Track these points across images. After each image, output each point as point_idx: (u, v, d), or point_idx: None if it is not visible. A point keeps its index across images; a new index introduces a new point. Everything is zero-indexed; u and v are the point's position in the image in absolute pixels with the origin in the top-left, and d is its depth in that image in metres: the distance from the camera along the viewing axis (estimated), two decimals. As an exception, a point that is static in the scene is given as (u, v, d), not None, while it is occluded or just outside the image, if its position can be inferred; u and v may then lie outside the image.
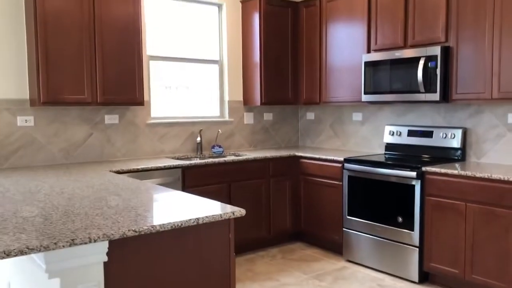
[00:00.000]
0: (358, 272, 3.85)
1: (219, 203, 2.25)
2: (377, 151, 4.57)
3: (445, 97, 3.63)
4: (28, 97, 3.68)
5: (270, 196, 4.43)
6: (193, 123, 4.61)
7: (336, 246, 4.30)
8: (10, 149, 3.62)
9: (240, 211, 2.08)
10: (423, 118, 4.18)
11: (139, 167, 3.64)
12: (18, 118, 3.64)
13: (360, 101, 4.29)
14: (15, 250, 1.50)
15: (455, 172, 3.30)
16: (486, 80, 3.39)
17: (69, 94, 3.55)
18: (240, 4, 4.89)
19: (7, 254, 1.49)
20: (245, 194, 4.24)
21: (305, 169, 4.52)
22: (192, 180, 3.90)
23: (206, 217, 1.97)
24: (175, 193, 2.53)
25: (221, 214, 2.02)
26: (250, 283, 3.63)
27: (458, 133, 3.84)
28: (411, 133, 4.16)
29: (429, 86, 3.66)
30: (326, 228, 4.33)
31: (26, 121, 3.67)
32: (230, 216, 2.06)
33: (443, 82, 3.62)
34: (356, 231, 4.01)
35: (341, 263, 4.07)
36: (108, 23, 3.70)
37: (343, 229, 4.13)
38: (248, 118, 5.04)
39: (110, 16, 3.71)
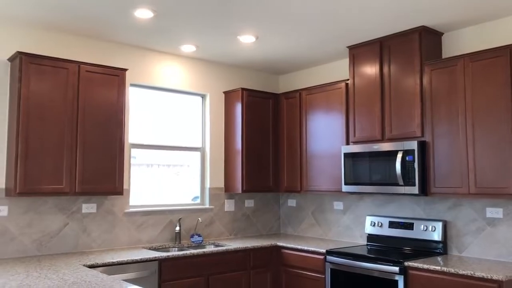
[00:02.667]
0: None
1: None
2: (359, 241, 4.52)
3: (424, 190, 3.68)
4: (4, 186, 3.60)
5: (250, 289, 4.28)
6: (172, 211, 4.54)
7: None
8: (-21, 240, 3.47)
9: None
10: (403, 209, 4.20)
11: (114, 260, 3.50)
12: (-9, 208, 3.54)
13: (341, 191, 4.32)
14: None
15: (438, 268, 3.26)
16: (462, 175, 3.46)
17: (47, 184, 3.50)
18: (223, 94, 5.04)
19: None
20: None
21: (286, 260, 4.42)
22: (169, 273, 3.75)
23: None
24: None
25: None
26: None
27: (439, 225, 3.84)
28: (392, 225, 4.15)
29: (407, 179, 3.71)
30: (309, 324, 4.15)
31: (-1, 211, 3.57)
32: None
33: (421, 176, 3.68)
34: (340, 328, 3.85)
35: None
36: (92, 113, 3.75)
37: (326, 325, 3.96)
38: (229, 205, 4.99)
39: (93, 106, 3.76)
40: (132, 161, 4.39)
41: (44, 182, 3.49)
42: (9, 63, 3.69)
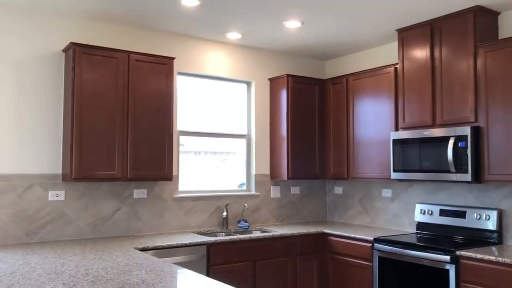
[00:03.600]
0: None
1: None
2: (408, 229, 4.43)
3: (477, 177, 3.54)
4: (60, 172, 3.78)
5: (296, 275, 4.29)
6: (220, 197, 4.61)
7: (366, 332, 4.07)
8: (39, 223, 3.67)
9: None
10: (455, 197, 4.07)
11: (164, 244, 3.61)
12: (50, 192, 3.73)
13: (389, 178, 4.23)
14: None
15: (492, 258, 3.14)
16: (519, 162, 3.30)
17: (100, 170, 3.64)
18: (268, 81, 5.03)
19: None
20: (270, 273, 4.13)
21: (333, 247, 4.39)
22: (217, 257, 3.83)
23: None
24: (198, 278, 2.47)
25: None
26: None
27: (493, 214, 3.69)
28: (443, 213, 4.03)
29: (460, 166, 3.58)
30: (356, 311, 4.12)
31: (57, 195, 3.75)
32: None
33: (474, 163, 3.54)
34: (388, 316, 3.80)
35: None
36: (141, 101, 3.85)
37: (374, 313, 3.92)
38: (275, 192, 5.01)
39: (143, 95, 3.86)
40: (181, 148, 4.49)
41: (98, 168, 3.63)
42: (64, 53, 3.84)
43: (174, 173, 4.30)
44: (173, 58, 4.05)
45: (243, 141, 4.94)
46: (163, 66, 3.99)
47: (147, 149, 3.86)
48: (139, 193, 4.13)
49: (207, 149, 4.78)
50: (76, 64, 3.60)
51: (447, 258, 3.39)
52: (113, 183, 4.00)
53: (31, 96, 3.70)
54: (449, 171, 3.65)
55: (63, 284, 2.27)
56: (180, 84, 4.51)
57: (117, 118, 3.74)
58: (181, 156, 4.49)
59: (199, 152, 4.73)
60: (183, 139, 4.52)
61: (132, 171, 3.77)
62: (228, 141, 4.87)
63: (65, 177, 3.68)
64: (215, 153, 4.85)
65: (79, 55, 3.60)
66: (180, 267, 2.72)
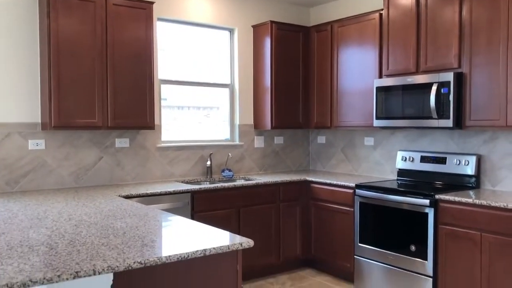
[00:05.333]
0: (370, 302, 3.75)
1: (227, 233, 2.20)
2: (389, 176, 4.50)
3: (459, 123, 3.58)
4: (39, 120, 3.70)
5: (280, 221, 4.37)
6: (203, 147, 4.60)
7: (347, 274, 4.21)
8: (20, 172, 3.63)
9: (248, 242, 2.04)
10: (436, 143, 4.12)
11: (148, 191, 3.62)
12: (29, 141, 3.66)
13: (372, 126, 4.25)
14: (17, 283, 1.47)
15: (470, 200, 3.22)
16: (500, 107, 3.34)
17: (80, 118, 3.57)
18: (252, 29, 4.92)
19: (10, 287, 1.46)
20: (254, 220, 4.19)
21: (316, 194, 4.46)
22: (201, 205, 3.86)
23: (214, 248, 1.93)
24: (182, 220, 2.49)
25: (228, 246, 1.98)
26: (259, 311, 3.55)
27: (472, 159, 3.76)
28: (424, 159, 4.09)
29: (442, 112, 3.61)
30: (337, 255, 4.24)
31: (37, 144, 3.69)
32: (238, 248, 2.01)
33: (456, 109, 3.57)
34: (368, 259, 3.92)
35: (352, 292, 3.97)
36: (121, 48, 3.74)
37: (355, 256, 4.04)
38: (259, 142, 5.01)
39: (122, 41, 3.74)
40: (163, 103, 4.41)
41: (78, 116, 3.56)
42: (37, -3, 3.68)
43: (156, 122, 4.25)
44: (153, 3, 3.91)
45: (226, 91, 4.88)
46: (142, 11, 3.85)
47: (127, 97, 3.78)
48: (121, 142, 4.08)
49: (191, 103, 4.71)
50: (52, 8, 3.44)
51: (427, 201, 3.47)
52: (94, 132, 3.95)
53: (5, 43, 3.56)
54: (431, 118, 3.68)
55: (46, 228, 2.27)
56: (161, 31, 4.37)
57: (96, 65, 3.63)
58: (164, 110, 4.43)
59: (182, 107, 4.66)
60: (165, 89, 4.44)
61: (113, 119, 3.71)
62: (212, 93, 4.80)
63: (45, 126, 3.61)
64: (199, 108, 4.78)
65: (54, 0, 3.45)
66: (164, 212, 2.74)
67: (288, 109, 4.82)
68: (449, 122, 3.57)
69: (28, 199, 3.22)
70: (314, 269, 4.58)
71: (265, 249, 4.27)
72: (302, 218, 4.53)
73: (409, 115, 3.85)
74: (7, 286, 1.45)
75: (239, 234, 4.04)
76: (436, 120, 3.65)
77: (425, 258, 3.48)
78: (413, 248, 3.57)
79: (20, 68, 3.62)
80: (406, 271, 3.62)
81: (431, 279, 3.45)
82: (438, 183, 3.97)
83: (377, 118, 4.11)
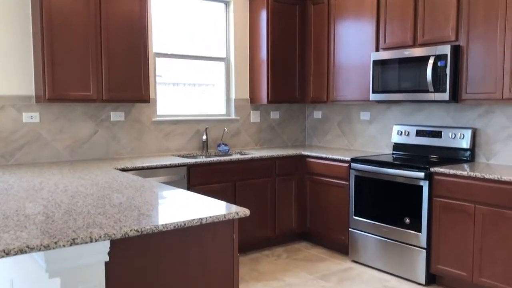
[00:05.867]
0: (364, 273, 3.81)
1: (223, 202, 2.21)
2: (385, 151, 4.52)
3: (455, 97, 3.57)
4: (33, 93, 3.67)
5: (275, 195, 4.40)
6: (199, 121, 4.58)
7: (341, 246, 4.26)
8: (15, 145, 3.61)
9: (244, 211, 2.05)
10: (432, 117, 4.12)
11: (144, 164, 3.62)
12: (24, 114, 3.63)
13: (368, 100, 4.24)
14: (15, 249, 1.48)
15: (464, 173, 3.25)
16: (497, 80, 3.33)
17: (75, 90, 3.54)
18: (248, 1, 4.85)
19: (7, 253, 1.47)
20: (250, 193, 4.21)
21: (311, 168, 4.48)
22: (197, 178, 3.87)
23: (210, 217, 1.94)
24: (179, 192, 2.50)
25: (225, 214, 1.99)
26: (255, 282, 3.60)
27: (468, 133, 3.77)
28: (419, 133, 4.10)
29: (438, 86, 3.60)
30: (332, 228, 4.29)
31: (31, 117, 3.66)
32: (234, 217, 2.02)
33: (453, 82, 3.56)
34: (363, 231, 3.97)
35: (346, 264, 4.03)
36: (114, 20, 3.68)
37: (349, 229, 4.08)
38: (255, 117, 5.00)
39: (116, 14, 3.68)
40: (158, 79, 4.37)
41: (72, 88, 3.53)
42: (28, -33, 3.59)
43: (151, 96, 4.22)
44: (147, -27, 3.83)
45: (221, 65, 4.84)
46: (136, -19, 3.78)
47: (122, 70, 3.74)
48: (116, 115, 4.06)
49: (186, 80, 4.66)
50: (42, -22, 3.37)
51: (421, 174, 3.49)
52: (89, 105, 3.92)
53: (-4, 13, 3.50)
54: (427, 91, 3.67)
55: (42, 198, 2.27)
56: (155, 3, 4.30)
57: (90, 38, 3.58)
58: (159, 87, 4.39)
59: (178, 84, 4.62)
60: (160, 63, 4.39)
61: (107, 92, 3.68)
62: (207, 68, 4.75)
63: (39, 99, 3.58)
64: (194, 85, 4.74)
65: (45, -32, 3.37)
66: (161, 184, 2.74)
67: (285, 83, 4.80)
68: (445, 96, 3.56)
69: (24, 171, 3.22)
70: (309, 242, 4.63)
71: (261, 222, 4.31)
72: (297, 192, 4.56)
73: (406, 89, 3.83)
74: (4, 251, 1.46)
75: (235, 207, 4.08)
76: (433, 94, 3.64)
77: (419, 230, 3.53)
78: (407, 220, 3.61)
79: (12, 40, 3.56)
80: (400, 243, 3.66)
81: (424, 250, 3.50)
82: (433, 157, 3.99)
83: (373, 92, 4.10)
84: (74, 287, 1.65)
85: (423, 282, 3.52)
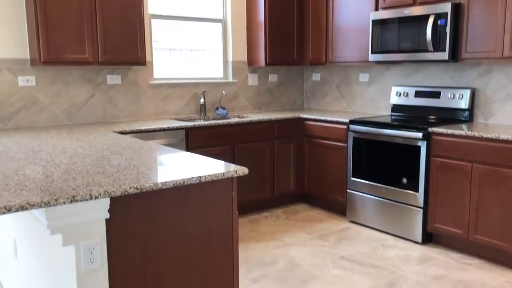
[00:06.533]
0: (361, 233, 3.87)
1: (222, 162, 2.22)
2: (383, 112, 4.51)
3: (454, 56, 3.54)
4: (28, 56, 3.62)
5: (274, 158, 4.42)
6: (196, 84, 4.55)
7: (339, 208, 4.31)
8: (12, 109, 3.60)
9: (242, 170, 2.06)
10: (431, 78, 4.10)
11: (142, 128, 3.61)
12: (19, 78, 3.60)
13: (367, 61, 4.20)
14: (15, 206, 1.49)
15: (462, 132, 3.25)
16: (497, 38, 3.29)
17: (70, 53, 3.49)
18: (244, -40, 4.73)
19: (8, 210, 1.48)
20: (249, 156, 4.23)
21: (309, 131, 4.48)
22: (195, 141, 3.87)
23: (209, 175, 1.95)
24: (178, 152, 2.50)
25: (223, 173, 2.00)
26: (254, 243, 3.66)
27: (467, 93, 3.76)
28: (418, 94, 4.08)
29: (438, 45, 3.55)
30: (330, 190, 4.33)
31: (27, 81, 3.63)
32: (232, 175, 2.03)
33: (453, 41, 3.51)
34: (360, 192, 4.01)
35: (344, 224, 4.09)
36: (108, -21, 3.59)
37: (347, 190, 4.13)
38: (253, 80, 4.96)
39: (109, -28, 3.59)
40: (155, 45, 4.31)
41: (67, 51, 3.48)
42: None
43: (147, 59, 4.17)
44: None
45: (218, 27, 4.76)
46: None
47: (118, 32, 3.68)
48: (112, 79, 4.02)
49: (182, 46, 4.58)
50: None
51: (419, 135, 3.50)
52: (85, 69, 3.88)
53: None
54: (427, 51, 3.63)
55: (41, 159, 2.27)
56: (149, -38, 4.20)
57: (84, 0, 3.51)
58: (155, 52, 4.33)
59: (174, 49, 4.55)
60: (156, 25, 4.32)
61: (103, 54, 3.63)
62: (204, 31, 4.67)
63: (34, 62, 3.53)
64: (191, 50, 4.67)
65: None
66: (160, 145, 2.74)
67: (283, 45, 4.73)
68: (445, 55, 3.52)
69: (22, 135, 3.21)
70: (307, 203, 4.69)
71: (260, 185, 4.34)
72: (296, 155, 4.58)
73: (405, 49, 3.79)
74: (5, 208, 1.47)
75: (234, 169, 4.10)
76: (432, 53, 3.60)
77: (416, 190, 3.56)
78: (405, 180, 3.64)
79: (6, 2, 3.48)
80: (397, 203, 3.71)
81: (421, 210, 3.55)
82: (432, 118, 3.98)
83: (372, 52, 4.05)
84: (76, 243, 1.67)
85: (420, 240, 3.59)
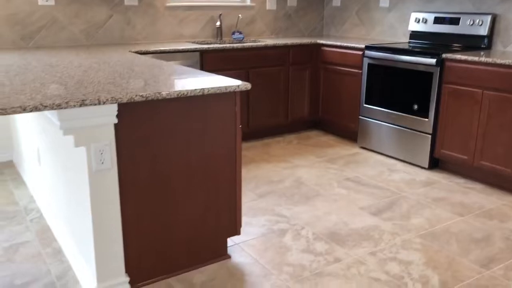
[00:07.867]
0: (370, 158, 3.97)
1: (227, 78, 2.30)
2: (402, 39, 4.44)
3: (476, -21, 3.42)
4: (46, -25, 3.66)
5: (289, 84, 4.46)
6: (213, 7, 4.53)
7: (351, 134, 4.39)
8: (33, 28, 3.70)
9: (245, 85, 2.14)
10: (451, 4, 3.97)
11: (157, 48, 3.68)
12: (38, -4, 3.67)
13: (387, -15, 4.08)
14: (30, 106, 1.63)
15: (475, 59, 3.21)
16: (522, -41, 3.14)
17: (86, -28, 3.51)
18: None
19: (23, 109, 1.62)
20: (263, 81, 4.28)
21: (325, 57, 4.47)
22: (210, 64, 3.94)
23: (212, 88, 2.05)
24: (188, 69, 2.59)
25: (226, 86, 2.09)
26: (265, 164, 3.82)
27: (487, 19, 3.65)
28: (437, 20, 3.99)
29: (460, -33, 3.42)
30: (343, 116, 4.39)
31: (46, 0, 3.70)
32: (235, 89, 2.12)
33: (476, -38, 3.37)
34: (372, 119, 4.06)
35: (354, 149, 4.19)
36: None
37: (359, 117, 4.18)
38: (271, 3, 4.89)
39: None
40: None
41: (83, -31, 3.50)
42: None
43: (164, -20, 4.15)
44: None
45: None
46: None
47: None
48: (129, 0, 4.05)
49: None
50: None
51: (433, 61, 3.47)
52: (102, -11, 3.91)
53: None
54: (448, -27, 3.50)
55: (57, 72, 2.40)
56: None
57: None
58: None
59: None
60: None
61: (119, -26, 3.64)
62: None
63: (51, -20, 3.58)
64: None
65: None
66: (172, 63, 2.83)
67: (302, -33, 4.61)
68: (466, -22, 3.40)
69: (42, 52, 3.34)
70: (320, 130, 4.78)
71: (274, 110, 4.43)
72: (311, 81, 4.60)
73: (426, -29, 3.66)
74: (21, 107, 1.61)
75: (247, 95, 4.19)
76: (453, -24, 3.48)
77: (426, 117, 3.59)
78: (416, 107, 3.66)
79: None
80: (407, 129, 3.76)
81: (430, 136, 3.60)
82: (449, 45, 3.91)
83: (392, -25, 3.93)
84: (87, 144, 1.82)
85: (426, 166, 3.67)
